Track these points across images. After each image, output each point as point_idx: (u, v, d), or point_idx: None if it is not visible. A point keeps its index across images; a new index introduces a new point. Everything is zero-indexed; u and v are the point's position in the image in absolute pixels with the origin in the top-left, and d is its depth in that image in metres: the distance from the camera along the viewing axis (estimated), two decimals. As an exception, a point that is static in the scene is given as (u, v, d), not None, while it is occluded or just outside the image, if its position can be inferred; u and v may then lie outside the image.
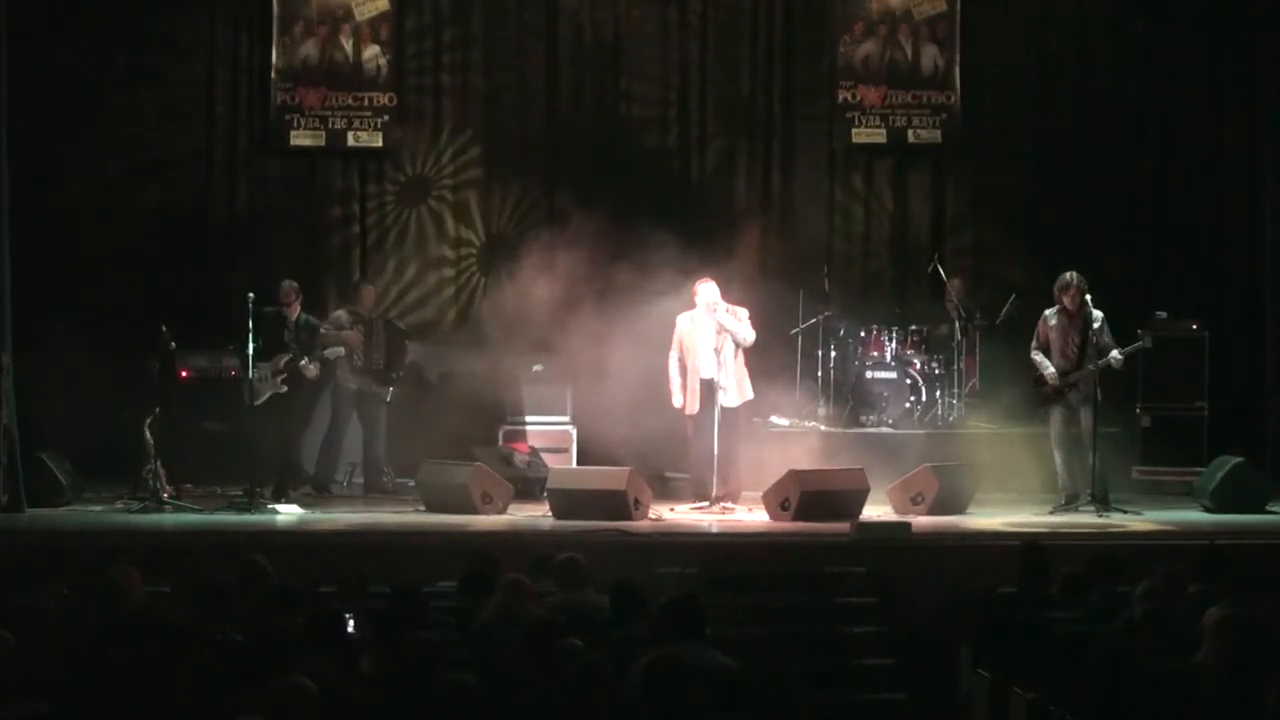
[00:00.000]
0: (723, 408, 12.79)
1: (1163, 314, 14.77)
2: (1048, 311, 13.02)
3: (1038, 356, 13.02)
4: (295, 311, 13.64)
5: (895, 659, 10.16)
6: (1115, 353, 12.77)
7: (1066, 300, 12.84)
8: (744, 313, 13.03)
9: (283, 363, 13.33)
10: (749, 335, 12.95)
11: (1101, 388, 12.86)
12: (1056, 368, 12.88)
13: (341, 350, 13.87)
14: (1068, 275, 12.90)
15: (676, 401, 12.98)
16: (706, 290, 12.94)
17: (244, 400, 13.22)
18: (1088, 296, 12.82)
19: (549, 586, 8.57)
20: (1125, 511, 12.73)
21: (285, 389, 13.36)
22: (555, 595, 8.39)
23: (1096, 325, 12.87)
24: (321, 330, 14.06)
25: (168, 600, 8.72)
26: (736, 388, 12.92)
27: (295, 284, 13.77)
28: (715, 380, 12.80)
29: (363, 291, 14.82)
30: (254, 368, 13.04)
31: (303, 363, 13.34)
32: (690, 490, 13.22)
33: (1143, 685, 6.78)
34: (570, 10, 16.14)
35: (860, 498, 12.44)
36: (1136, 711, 6.75)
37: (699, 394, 12.88)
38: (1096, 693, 7.04)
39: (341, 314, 14.43)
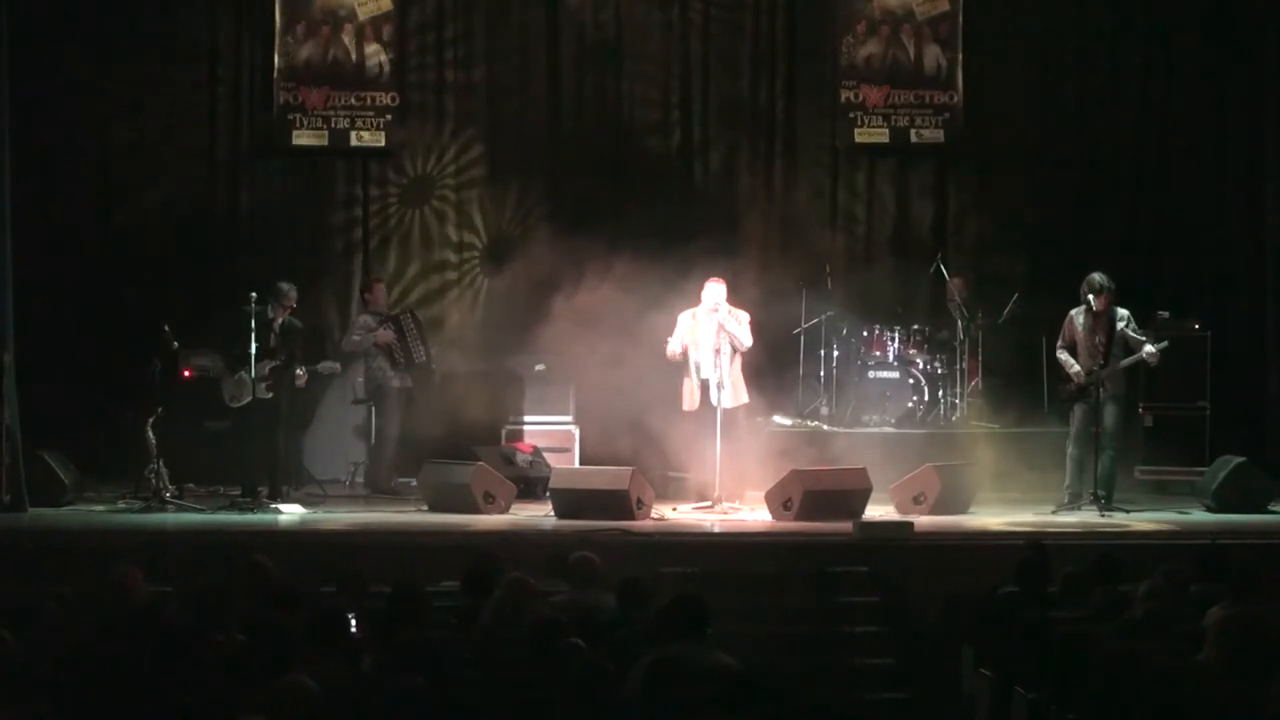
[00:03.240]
0: (723, 408, 12.77)
1: (1164, 314, 14.75)
2: (1073, 311, 12.98)
3: (1064, 356, 12.98)
4: (283, 315, 13.24)
5: (897, 658, 10.19)
6: (1148, 346, 12.76)
7: (1098, 303, 12.80)
8: (745, 316, 13.01)
9: (268, 369, 13.04)
10: (747, 339, 12.92)
11: (1131, 384, 13.02)
12: (1083, 366, 12.85)
13: (337, 367, 13.74)
14: (1097, 278, 12.84)
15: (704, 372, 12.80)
16: (713, 290, 12.91)
17: (224, 401, 13.20)
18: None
19: (556, 585, 8.57)
20: (1126, 511, 12.73)
21: (270, 395, 13.11)
22: (564, 594, 8.40)
23: (1122, 323, 12.87)
24: (355, 337, 14.13)
25: (169, 600, 8.73)
26: (733, 389, 12.90)
27: (294, 288, 13.40)
28: (715, 380, 12.78)
29: (374, 289, 14.80)
30: (241, 371, 12.99)
31: (298, 371, 13.14)
32: (693, 490, 13.21)
33: (1144, 685, 6.76)
34: (572, 10, 16.13)
35: (862, 497, 12.44)
36: (1137, 711, 6.73)
37: (699, 392, 12.86)
38: (1098, 693, 7.03)
39: (367, 318, 14.41)
